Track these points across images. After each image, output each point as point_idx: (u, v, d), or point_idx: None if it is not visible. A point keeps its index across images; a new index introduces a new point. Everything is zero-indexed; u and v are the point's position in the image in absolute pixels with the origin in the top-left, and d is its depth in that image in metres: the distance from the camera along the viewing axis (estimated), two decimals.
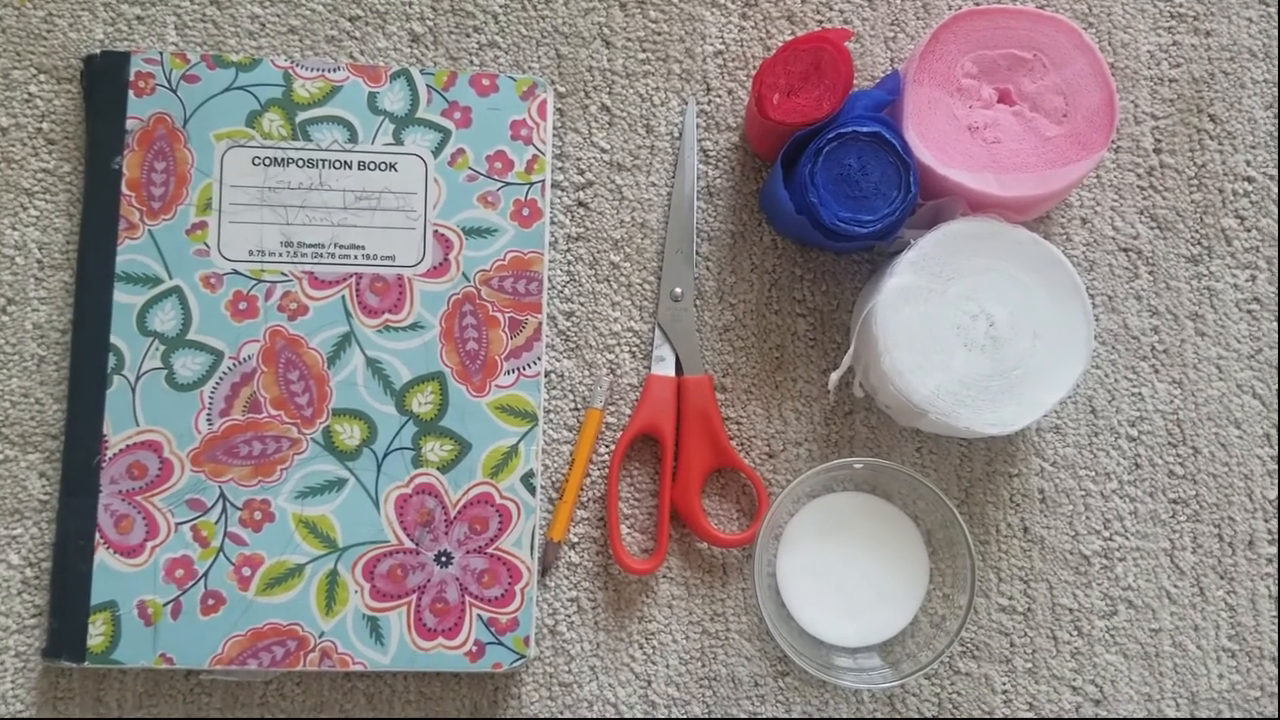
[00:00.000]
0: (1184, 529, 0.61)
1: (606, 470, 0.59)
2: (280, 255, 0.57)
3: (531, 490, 0.57)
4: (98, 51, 0.59)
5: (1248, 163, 0.63)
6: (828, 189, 0.55)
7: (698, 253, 0.61)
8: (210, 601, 0.55)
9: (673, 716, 0.58)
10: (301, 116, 0.58)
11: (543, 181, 0.59)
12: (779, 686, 0.59)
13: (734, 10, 0.62)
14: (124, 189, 0.57)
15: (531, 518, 0.57)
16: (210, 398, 0.56)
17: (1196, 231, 0.63)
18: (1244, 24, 0.64)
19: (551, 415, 0.60)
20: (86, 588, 0.55)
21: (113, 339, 0.56)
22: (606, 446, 0.60)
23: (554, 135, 0.61)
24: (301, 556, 0.56)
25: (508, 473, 0.57)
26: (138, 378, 0.56)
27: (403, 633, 0.56)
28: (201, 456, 0.56)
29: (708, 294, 0.61)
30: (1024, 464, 0.61)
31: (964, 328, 0.55)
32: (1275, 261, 0.63)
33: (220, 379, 0.57)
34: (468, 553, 0.56)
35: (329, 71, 0.59)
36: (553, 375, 0.60)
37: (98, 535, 0.55)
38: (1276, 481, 0.61)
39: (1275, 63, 0.64)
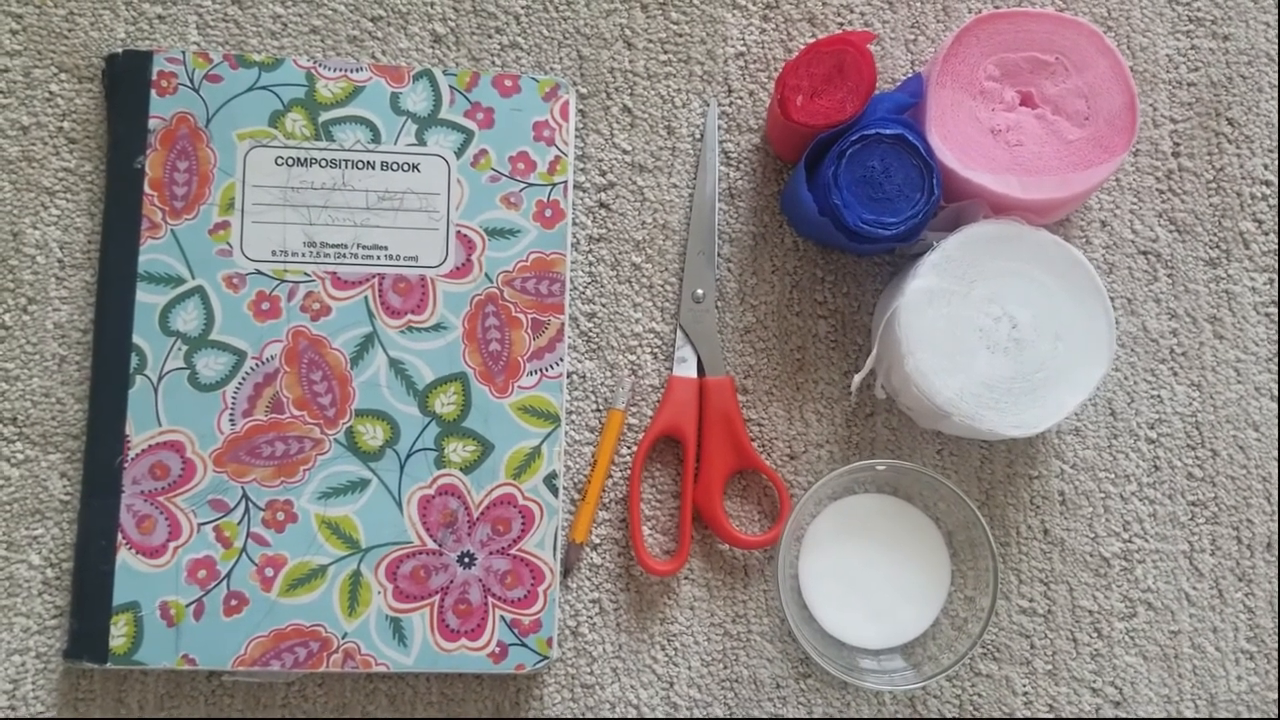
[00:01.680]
0: (1203, 531, 0.61)
1: (628, 471, 0.59)
2: (303, 255, 0.57)
3: (554, 491, 0.57)
4: (120, 50, 0.58)
5: (1265, 166, 0.63)
6: (851, 191, 0.55)
7: (719, 254, 0.61)
8: (233, 602, 0.55)
9: (694, 718, 0.58)
10: (324, 116, 0.58)
11: (565, 182, 0.59)
12: (801, 688, 0.59)
13: (755, 12, 0.62)
14: (146, 188, 0.57)
15: (554, 519, 0.57)
16: (233, 398, 0.56)
17: (1215, 235, 0.63)
18: (1261, 28, 0.64)
19: (574, 416, 0.60)
20: (108, 588, 0.55)
21: (135, 339, 0.56)
22: (628, 448, 0.60)
23: (576, 136, 0.61)
24: (324, 557, 0.56)
25: (530, 474, 0.57)
26: (160, 378, 0.56)
27: (425, 634, 0.56)
28: (224, 457, 0.56)
29: (729, 295, 0.61)
30: (1044, 466, 0.61)
31: (987, 330, 0.56)
32: None
33: (243, 379, 0.56)
34: (490, 554, 0.56)
35: (351, 72, 0.59)
36: (575, 376, 0.60)
37: (120, 536, 0.55)
38: None
39: None
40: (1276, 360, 0.62)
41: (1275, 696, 0.60)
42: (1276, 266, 0.63)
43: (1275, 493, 0.61)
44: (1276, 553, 0.61)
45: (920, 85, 0.57)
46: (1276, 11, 0.65)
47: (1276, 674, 0.60)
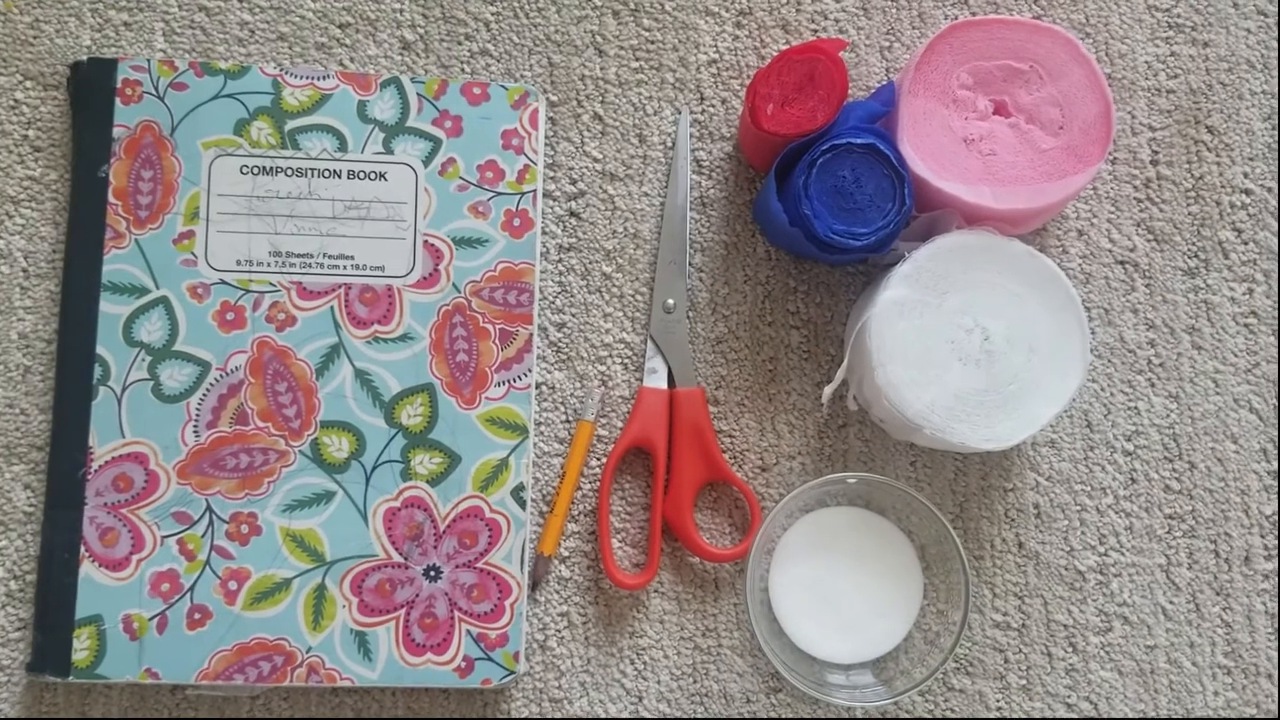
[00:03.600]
0: (1180, 544, 0.60)
1: (598, 483, 0.59)
2: (268, 265, 0.57)
3: (522, 504, 0.56)
4: (85, 58, 0.58)
5: (1245, 175, 0.63)
6: (822, 201, 0.55)
7: (690, 264, 0.60)
8: (196, 616, 0.55)
9: None
10: (290, 125, 0.58)
11: (534, 191, 0.58)
12: (771, 703, 0.58)
13: (728, 19, 0.62)
14: (111, 198, 0.57)
15: (522, 531, 0.56)
16: (197, 409, 0.56)
17: (1194, 244, 0.62)
18: (1242, 35, 0.64)
19: (542, 428, 0.59)
20: (71, 601, 0.54)
21: (99, 349, 0.56)
22: (598, 459, 0.59)
23: (546, 144, 0.60)
24: (289, 570, 0.55)
25: (498, 486, 0.56)
26: (124, 389, 0.56)
27: (391, 648, 0.55)
28: (188, 469, 0.55)
29: (700, 305, 0.60)
30: (1019, 478, 0.60)
31: (959, 342, 0.55)
32: (1273, 274, 0.62)
33: (207, 390, 0.56)
34: (457, 567, 0.56)
35: (318, 79, 0.58)
36: (544, 387, 0.59)
37: (83, 548, 0.55)
38: (1274, 496, 0.61)
39: (1274, 74, 0.63)
40: (1275, 370, 0.61)
41: (1253, 712, 0.59)
42: (1273, 278, 0.62)
43: (1253, 505, 0.61)
44: (1273, 566, 0.60)
45: (892, 94, 0.57)
46: (1272, 19, 0.64)
47: (1274, 690, 0.59)
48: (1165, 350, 0.61)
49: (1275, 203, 0.63)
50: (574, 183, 0.60)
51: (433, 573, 0.56)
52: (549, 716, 0.57)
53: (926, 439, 0.56)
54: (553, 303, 0.60)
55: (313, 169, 0.57)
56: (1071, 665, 0.59)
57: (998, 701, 0.59)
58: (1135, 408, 0.61)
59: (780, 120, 0.55)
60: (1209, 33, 0.63)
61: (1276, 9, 0.64)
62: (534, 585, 0.58)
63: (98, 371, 0.56)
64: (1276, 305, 0.62)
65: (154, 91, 0.57)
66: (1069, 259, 0.62)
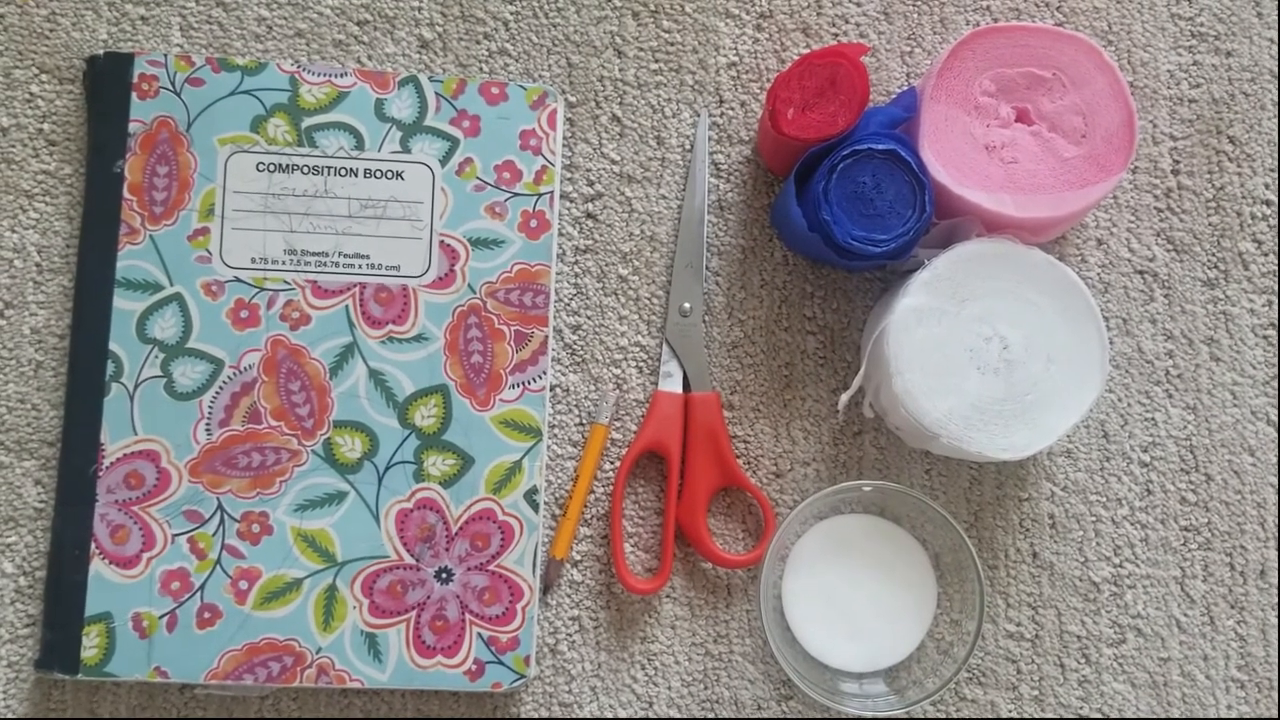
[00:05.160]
0: (1195, 557, 0.60)
1: (611, 487, 0.59)
2: (283, 263, 0.56)
3: (534, 507, 0.56)
4: (101, 52, 0.58)
5: (1266, 186, 0.62)
6: (841, 207, 0.54)
7: (707, 267, 0.60)
8: (206, 615, 0.54)
9: None
10: (307, 122, 0.57)
11: (551, 193, 0.58)
12: (782, 711, 0.58)
13: (748, 22, 0.61)
14: (125, 193, 0.56)
15: (534, 535, 0.56)
16: (210, 407, 0.55)
17: (1213, 255, 0.62)
18: (1265, 44, 0.63)
19: (556, 430, 0.59)
20: (81, 599, 0.54)
21: (112, 346, 0.55)
22: (611, 463, 0.59)
23: (563, 145, 0.60)
24: (300, 570, 0.55)
25: (511, 489, 0.56)
26: (136, 386, 0.55)
27: (401, 650, 0.55)
28: (200, 467, 0.55)
29: (717, 310, 0.60)
30: (1034, 488, 0.60)
31: (977, 350, 0.55)
32: None
33: (220, 388, 0.56)
34: (469, 570, 0.55)
35: (336, 77, 0.58)
36: (558, 390, 0.59)
37: (93, 545, 0.54)
38: None
39: None
40: (1277, 384, 0.61)
41: None
42: (1276, 288, 0.62)
43: (1270, 519, 0.60)
44: (1277, 579, 0.60)
45: (914, 100, 0.56)
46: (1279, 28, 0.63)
47: (1276, 702, 0.59)
48: (1183, 361, 0.61)
49: None
50: (591, 184, 0.60)
51: (444, 575, 0.55)
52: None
53: (943, 447, 0.56)
54: (568, 305, 0.59)
55: (329, 167, 0.57)
56: (1084, 677, 0.59)
57: (1010, 712, 0.58)
58: (1152, 419, 0.61)
59: (801, 125, 0.55)
60: (1232, 42, 0.63)
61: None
62: (545, 589, 0.58)
63: (110, 368, 0.55)
64: None
65: (170, 87, 0.57)
66: (1088, 268, 0.61)
